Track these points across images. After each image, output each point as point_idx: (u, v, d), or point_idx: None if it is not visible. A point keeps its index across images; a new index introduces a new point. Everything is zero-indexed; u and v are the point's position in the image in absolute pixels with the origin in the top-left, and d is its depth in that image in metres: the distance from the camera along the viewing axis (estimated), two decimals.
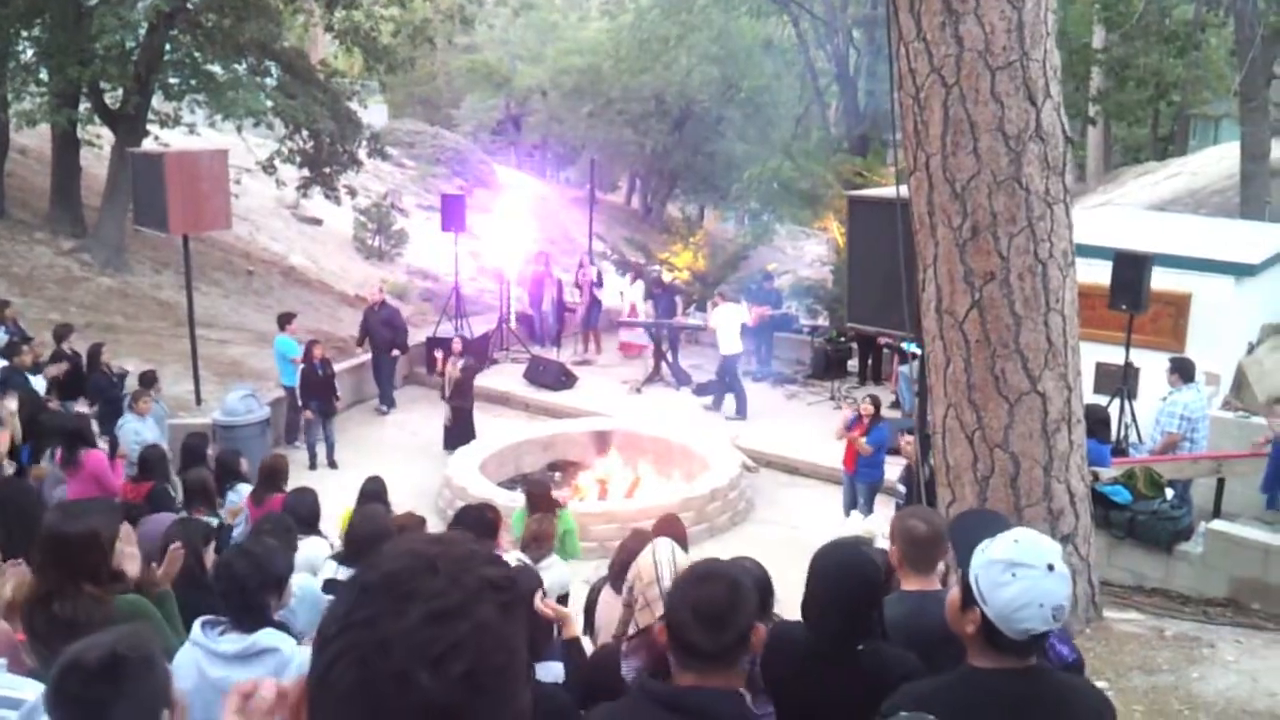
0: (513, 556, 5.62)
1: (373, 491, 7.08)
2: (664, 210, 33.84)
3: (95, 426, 8.71)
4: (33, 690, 2.22)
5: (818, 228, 22.03)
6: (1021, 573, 2.13)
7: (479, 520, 5.61)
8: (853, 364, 16.17)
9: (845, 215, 7.64)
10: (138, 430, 9.00)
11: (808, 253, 27.79)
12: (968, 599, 2.19)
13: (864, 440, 10.26)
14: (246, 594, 3.38)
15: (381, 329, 14.09)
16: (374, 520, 5.40)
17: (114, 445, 8.85)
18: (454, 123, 35.72)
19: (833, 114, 29.48)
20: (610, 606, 4.97)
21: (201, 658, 3.22)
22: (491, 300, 18.74)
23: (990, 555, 2.19)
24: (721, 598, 2.15)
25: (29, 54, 17.00)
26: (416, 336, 16.35)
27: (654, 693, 2.18)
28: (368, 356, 14.43)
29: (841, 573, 2.78)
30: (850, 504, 10.34)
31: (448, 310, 16.02)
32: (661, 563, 3.41)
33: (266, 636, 3.29)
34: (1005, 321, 5.53)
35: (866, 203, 7.36)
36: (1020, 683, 2.16)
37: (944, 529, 3.61)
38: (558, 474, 12.42)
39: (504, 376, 15.46)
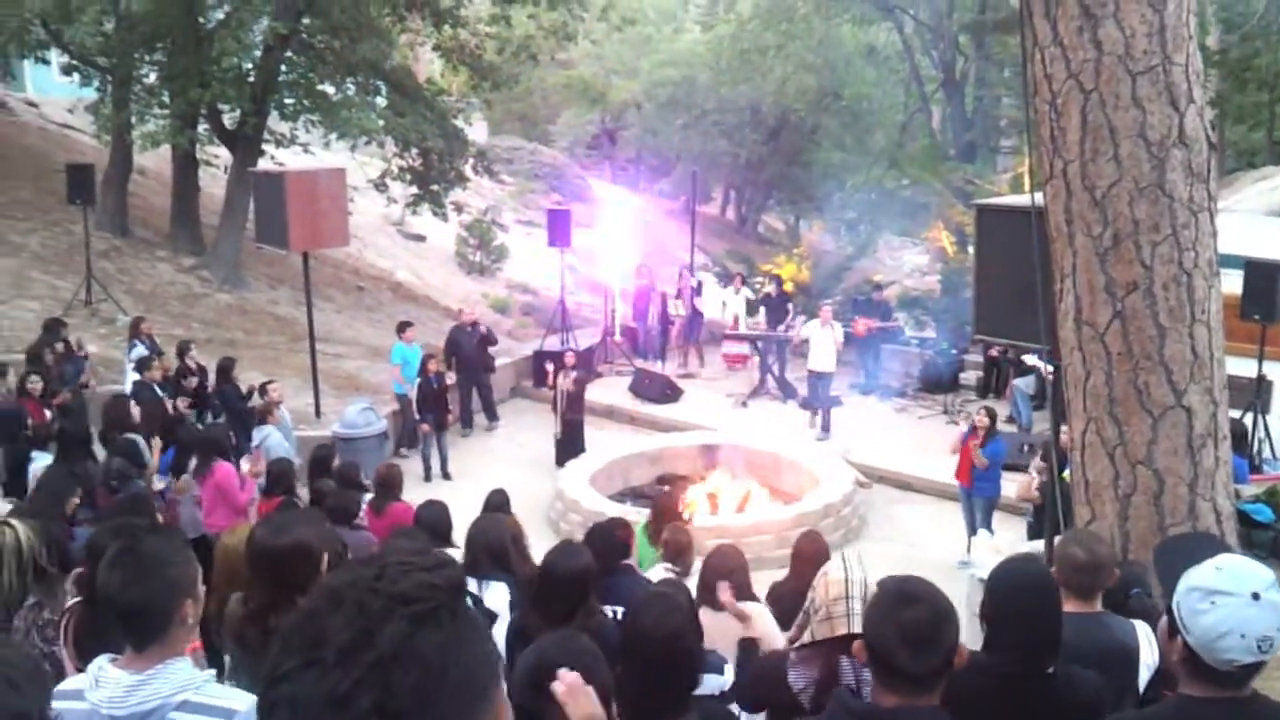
0: (659, 570, 5.60)
1: (498, 504, 7.18)
2: (759, 221, 33.69)
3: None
4: (242, 701, 2.28)
5: (923, 237, 21.69)
6: (1221, 600, 2.04)
7: (607, 539, 5.60)
8: (965, 376, 15.83)
9: (973, 224, 7.47)
10: (279, 440, 9.34)
11: (907, 263, 27.37)
12: (1173, 627, 2.12)
13: (980, 451, 10.02)
14: None
15: (477, 349, 14.08)
16: (491, 530, 5.44)
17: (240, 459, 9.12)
18: (550, 138, 36.15)
19: (937, 121, 29.03)
20: (709, 627, 4.89)
21: None
22: (592, 314, 18.87)
23: (1191, 582, 2.11)
24: (927, 620, 2.13)
25: (151, 78, 17.73)
26: (521, 350, 16.57)
27: (858, 712, 2.16)
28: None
29: (1032, 591, 2.72)
30: (971, 520, 10.11)
31: (554, 324, 16.17)
32: (854, 581, 3.36)
33: None
34: (1149, 333, 5.34)
35: (996, 211, 7.18)
36: (1233, 713, 2.07)
37: (1106, 556, 3.49)
38: (667, 487, 12.41)
39: (609, 390, 15.53)
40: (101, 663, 2.35)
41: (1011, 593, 2.74)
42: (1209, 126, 5.46)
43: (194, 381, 10.57)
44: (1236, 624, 2.01)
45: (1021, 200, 6.38)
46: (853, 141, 28.41)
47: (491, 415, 14.43)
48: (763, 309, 16.58)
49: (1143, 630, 3.22)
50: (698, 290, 17.30)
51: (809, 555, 5.64)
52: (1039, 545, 6.11)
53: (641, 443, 13.51)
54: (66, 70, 18.08)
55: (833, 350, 14.00)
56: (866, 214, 22.31)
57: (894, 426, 14.32)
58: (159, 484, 8.15)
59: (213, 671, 2.52)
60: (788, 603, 5.15)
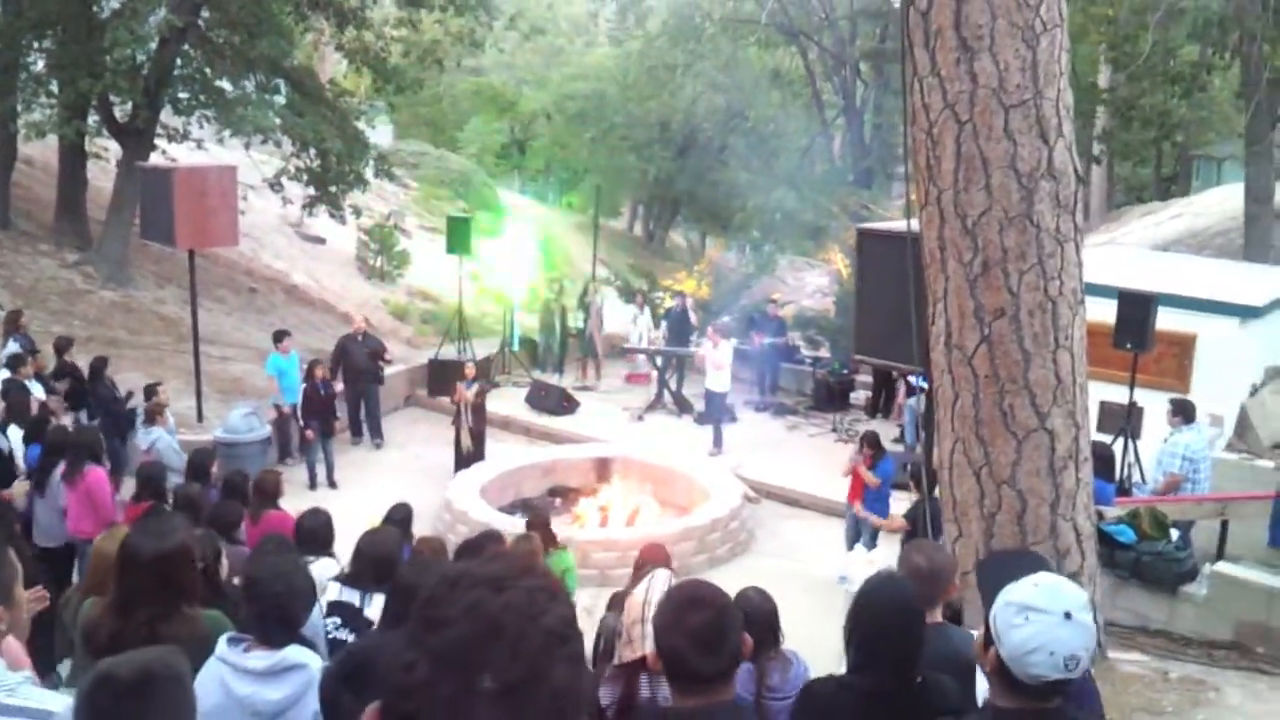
0: None
1: (399, 518, 7.06)
2: (666, 237, 33.91)
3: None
4: (58, 703, 2.21)
5: (821, 259, 22.09)
6: (1035, 617, 2.10)
7: (477, 555, 5.57)
8: (855, 396, 16.14)
9: (854, 247, 7.64)
10: (169, 442, 9.10)
11: (809, 283, 27.80)
12: (988, 638, 2.19)
13: (871, 472, 10.22)
14: (283, 610, 3.35)
15: (367, 359, 13.62)
16: (383, 543, 5.36)
17: (115, 463, 8.83)
18: (458, 145, 35.86)
19: (838, 146, 29.62)
20: None
21: (227, 674, 3.18)
22: (493, 324, 18.74)
23: (1008, 597, 2.17)
24: (713, 623, 2.21)
25: (40, 65, 17.08)
26: (418, 358, 16.36)
27: (659, 714, 2.21)
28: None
29: (899, 610, 2.80)
30: (854, 537, 10.29)
31: (450, 333, 16.00)
32: (651, 604, 3.42)
33: (295, 653, 3.26)
34: (1014, 358, 5.52)
35: (876, 236, 7.37)
36: None
37: (946, 565, 3.62)
38: (558, 500, 12.37)
39: (506, 401, 15.43)
40: None
41: (880, 612, 2.81)
42: (1076, 160, 5.67)
43: (66, 382, 10.18)
44: (1046, 641, 2.07)
45: (899, 226, 6.55)
46: (758, 162, 28.83)
47: (376, 432, 13.93)
48: (664, 325, 16.68)
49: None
50: (599, 305, 17.32)
51: (650, 564, 5.74)
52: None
53: (535, 454, 13.45)
54: None
55: (725, 367, 14.08)
56: (768, 234, 22.63)
57: (785, 443, 14.51)
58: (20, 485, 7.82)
59: (26, 674, 2.42)
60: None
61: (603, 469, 12.89)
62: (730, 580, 7.65)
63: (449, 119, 38.47)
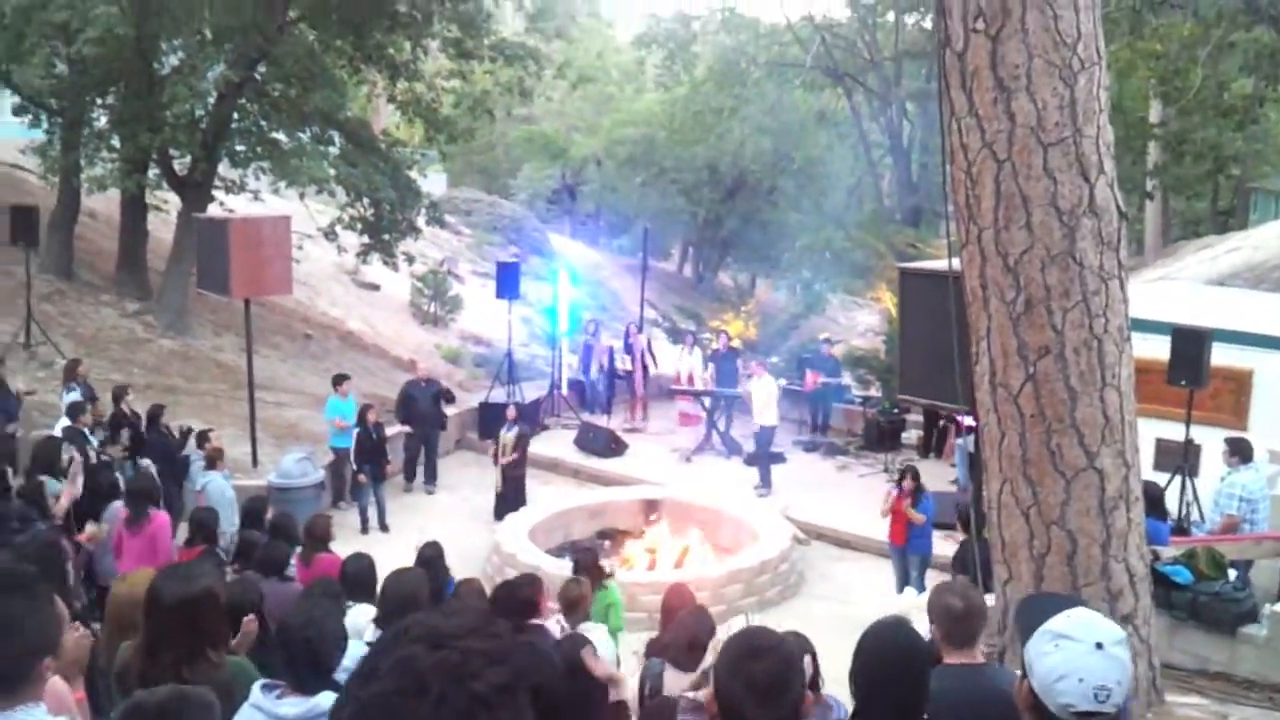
0: (554, 623, 5.60)
1: (430, 557, 7.12)
2: (715, 278, 33.99)
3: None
4: None
5: (870, 298, 22.00)
6: (1065, 644, 2.09)
7: (513, 596, 5.62)
8: (906, 436, 15.98)
9: (898, 288, 7.60)
10: (221, 487, 9.27)
11: (860, 322, 27.70)
12: (1023, 671, 2.18)
13: (913, 509, 10.13)
14: (317, 656, 3.38)
15: (431, 405, 13.95)
16: (406, 583, 5.41)
17: (169, 508, 8.99)
18: (510, 192, 36.37)
19: (886, 185, 29.57)
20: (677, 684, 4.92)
21: None
22: (544, 366, 18.88)
23: (1043, 628, 2.16)
24: (774, 671, 2.17)
25: (102, 121, 17.67)
26: (469, 402, 16.51)
27: None
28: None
29: (900, 651, 2.77)
30: (903, 579, 10.17)
31: (500, 376, 16.15)
32: None
33: (328, 699, 3.28)
34: (1060, 396, 5.46)
35: (919, 275, 7.35)
36: None
37: (982, 605, 3.57)
38: (607, 542, 12.37)
39: (554, 443, 15.50)
40: None
41: (882, 655, 2.78)
42: (1119, 197, 5.63)
43: (126, 433, 10.44)
44: (1075, 668, 2.05)
45: (941, 265, 6.53)
46: (808, 203, 28.88)
47: (431, 477, 14.15)
48: (711, 365, 16.69)
49: None
50: (648, 347, 17.40)
51: (674, 608, 5.75)
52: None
53: (583, 496, 13.49)
54: (17, 111, 17.99)
55: (771, 404, 14.05)
56: (817, 273, 22.61)
57: (835, 484, 14.40)
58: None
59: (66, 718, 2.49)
60: (671, 654, 5.22)
61: (651, 511, 12.87)
62: (779, 623, 7.60)
63: (501, 166, 39.05)
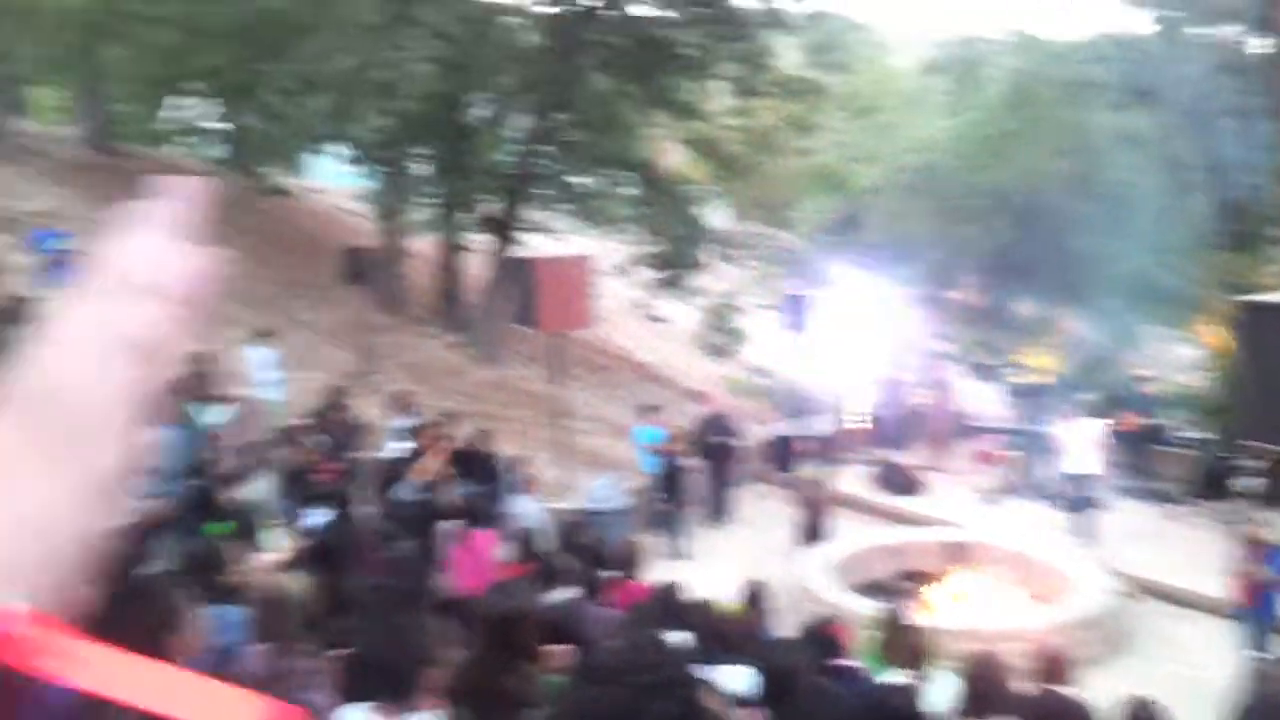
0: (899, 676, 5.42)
1: (751, 595, 7.12)
2: (1011, 309, 32.44)
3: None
4: None
5: (1190, 330, 20.25)
6: None
7: (820, 636, 5.50)
8: (1245, 483, 14.49)
9: (1239, 322, 6.90)
10: (537, 511, 9.76)
11: (1176, 357, 25.56)
12: None
13: (1267, 568, 9.14)
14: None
15: (723, 438, 14.10)
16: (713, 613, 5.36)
17: (491, 528, 9.50)
18: (792, 224, 36.38)
19: (1202, 210, 27.20)
20: None
21: None
22: (833, 400, 18.61)
23: None
24: None
25: (421, 170, 19.21)
26: (758, 434, 16.54)
27: None
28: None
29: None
30: (1254, 642, 9.18)
31: (792, 409, 16.07)
32: None
33: None
34: None
35: (1265, 309, 6.63)
36: None
37: None
38: (908, 584, 11.96)
39: (849, 479, 15.22)
40: (364, 712, 2.51)
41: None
42: None
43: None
44: None
45: None
46: (1111, 229, 27.04)
47: (726, 510, 14.24)
48: (1016, 402, 15.88)
49: None
50: (947, 381, 16.80)
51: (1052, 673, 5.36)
52: None
53: (883, 535, 13.13)
54: (350, 162, 19.85)
55: (1090, 449, 13.12)
56: (1127, 304, 21.05)
57: (1163, 534, 13.25)
58: None
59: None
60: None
61: (955, 554, 12.33)
62: (1110, 685, 7.04)
63: (783, 199, 39.19)
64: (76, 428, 0.61)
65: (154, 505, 7.93)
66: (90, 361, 0.62)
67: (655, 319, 23.75)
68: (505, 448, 12.76)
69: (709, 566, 11.97)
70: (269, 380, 12.44)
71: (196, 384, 10.32)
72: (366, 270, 16.18)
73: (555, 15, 18.22)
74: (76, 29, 16.33)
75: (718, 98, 20.88)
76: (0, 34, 18.68)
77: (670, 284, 19.14)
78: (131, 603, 2.69)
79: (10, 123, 19.79)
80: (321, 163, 23.23)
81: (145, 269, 0.66)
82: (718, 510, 14.13)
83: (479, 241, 19.03)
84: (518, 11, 18.82)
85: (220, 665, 3.77)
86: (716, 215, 26.36)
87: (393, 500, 8.49)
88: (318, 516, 9.02)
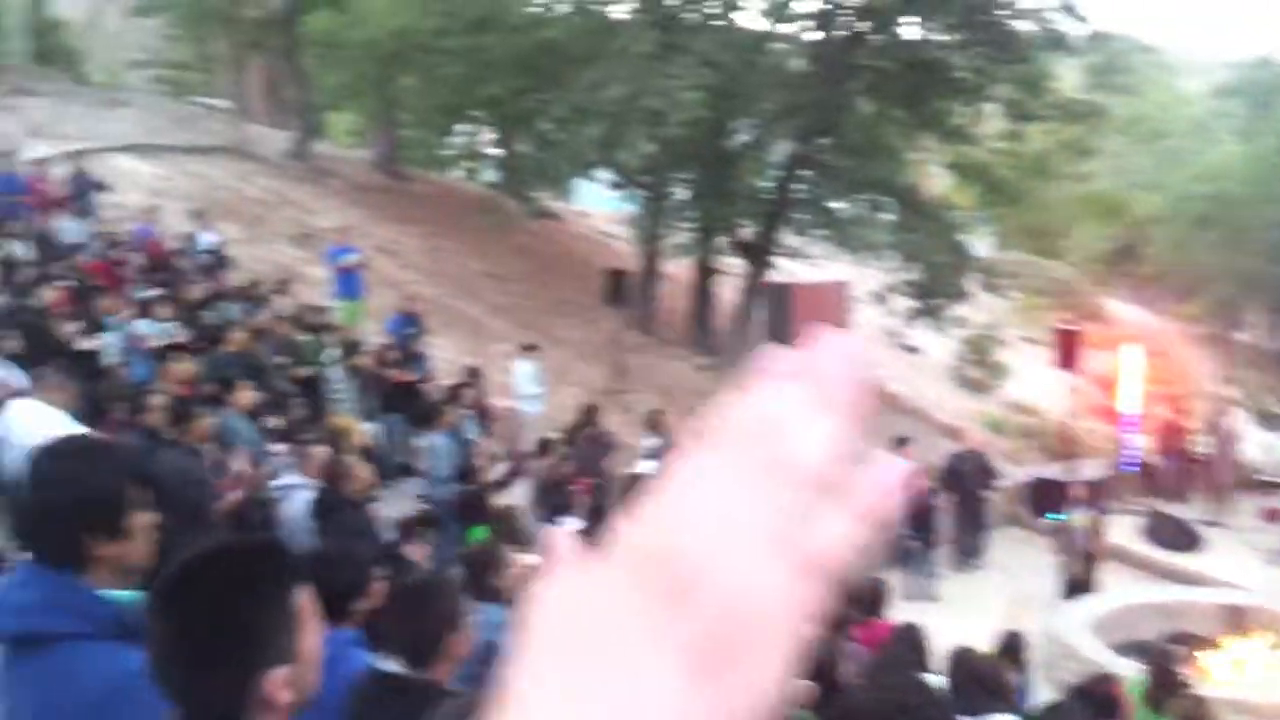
0: None
1: (1008, 647, 6.85)
2: None
3: None
4: None
5: None
6: None
7: (1095, 696, 5.18)
8: None
9: None
10: None
11: None
12: None
13: None
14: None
15: (977, 477, 13.58)
16: (974, 659, 5.18)
17: None
18: (1062, 253, 34.61)
19: None
20: None
21: None
22: (1102, 443, 17.54)
23: None
24: None
25: (682, 195, 19.64)
26: (1016, 476, 15.79)
27: None
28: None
29: None
30: None
31: (1057, 451, 15.26)
32: None
33: None
34: None
35: None
36: None
37: None
38: (1178, 647, 11.06)
39: (1117, 530, 14.24)
40: None
41: None
42: None
43: None
44: None
45: None
46: None
47: (977, 553, 13.69)
48: None
49: None
50: (1229, 428, 15.48)
51: None
52: None
53: (1152, 593, 12.22)
54: (614, 187, 20.57)
55: None
56: None
57: None
58: None
59: None
60: None
61: (1235, 618, 11.29)
62: None
63: (1052, 226, 37.33)
64: (728, 637, 0.47)
65: (424, 507, 8.54)
66: (746, 556, 0.48)
67: (908, 349, 23.16)
68: None
69: (955, 611, 11.54)
70: (532, 394, 13.03)
71: (466, 394, 11.00)
72: (624, 292, 16.71)
73: (822, 40, 18.23)
74: (376, 60, 17.83)
75: (989, 121, 20.24)
76: (310, 63, 20.71)
77: (928, 313, 18.63)
78: (417, 599, 2.91)
79: (310, 145, 21.82)
80: (586, 187, 24.23)
81: (816, 455, 0.49)
82: (968, 552, 13.58)
83: (733, 265, 19.23)
84: (784, 38, 18.96)
85: (485, 664, 4.00)
86: (980, 242, 25.47)
87: None
88: (570, 524, 9.41)
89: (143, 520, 1.92)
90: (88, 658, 1.67)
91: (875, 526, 0.50)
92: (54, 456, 2.02)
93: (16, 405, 6.16)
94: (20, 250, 11.07)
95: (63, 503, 1.89)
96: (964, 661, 5.58)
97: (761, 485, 0.49)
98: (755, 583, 0.47)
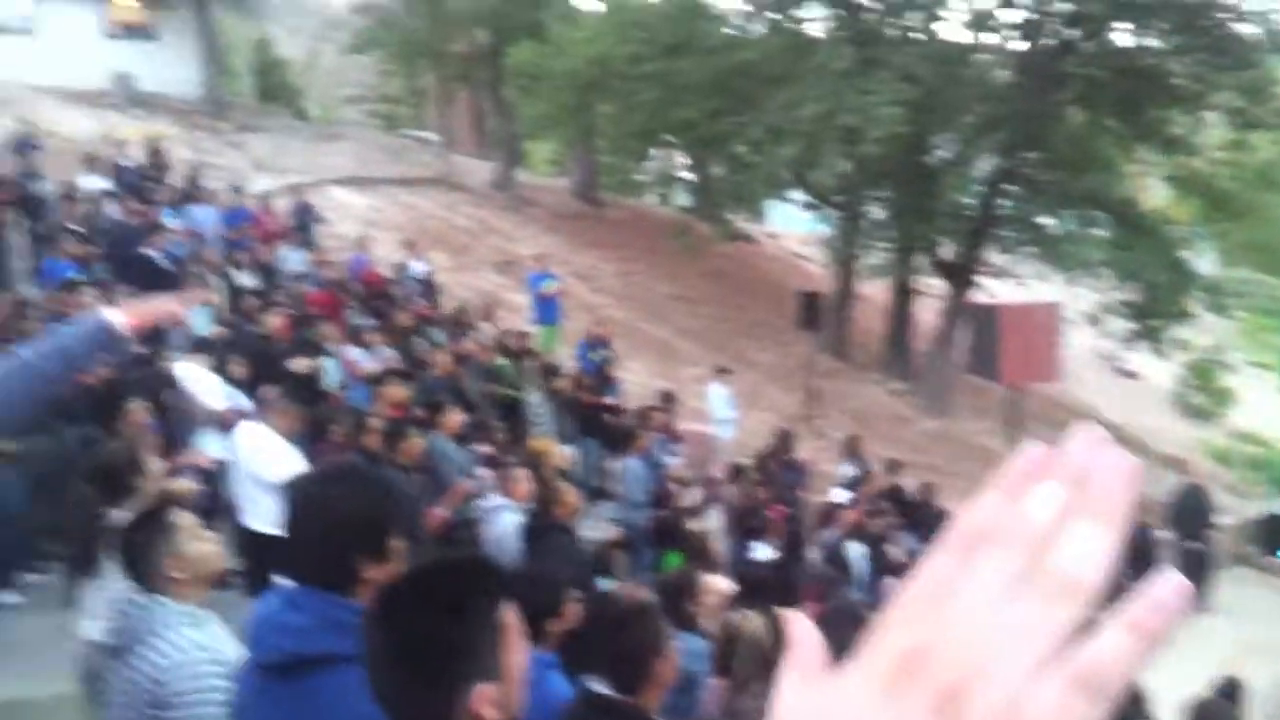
0: None
1: (1226, 694, 6.34)
2: None
3: None
4: None
5: None
6: None
7: None
8: None
9: None
10: None
11: None
12: None
13: None
14: None
15: (1205, 512, 12.65)
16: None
17: None
18: None
19: None
20: None
21: None
22: None
23: None
24: None
25: (878, 213, 19.21)
26: (1246, 510, 14.63)
27: None
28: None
29: None
30: None
31: None
32: None
33: None
34: None
35: None
36: None
37: None
38: None
39: None
40: None
41: None
42: None
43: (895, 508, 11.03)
44: None
45: None
46: None
47: (1200, 593, 12.72)
48: None
49: None
50: None
51: None
52: None
53: None
54: (807, 207, 20.34)
55: None
56: None
57: None
58: None
59: None
60: None
61: None
62: None
63: None
64: None
65: (618, 531, 8.61)
66: (1020, 668, 0.44)
67: (1125, 374, 21.88)
68: (949, 504, 12.36)
69: (1174, 658, 10.73)
70: (726, 418, 12.98)
71: (657, 418, 11.06)
72: (817, 314, 16.44)
73: (1028, 50, 17.55)
74: (575, 89, 18.29)
75: (1210, 129, 18.99)
76: (513, 95, 21.44)
77: (1146, 335, 17.53)
78: (622, 622, 2.77)
79: (513, 174, 22.58)
80: (779, 209, 24.09)
81: (1091, 570, 0.46)
82: (1198, 595, 12.63)
83: (933, 286, 18.67)
84: (989, 49, 18.36)
85: (686, 694, 3.97)
86: (1202, 259, 23.84)
87: (826, 547, 8.51)
88: (763, 551, 9.31)
89: (400, 543, 1.99)
90: (361, 680, 1.72)
91: (1151, 643, 0.45)
92: (320, 482, 2.11)
93: (243, 428, 6.61)
94: (247, 279, 11.87)
95: (334, 526, 1.95)
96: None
97: (1031, 594, 0.46)
98: (1029, 697, 0.44)
